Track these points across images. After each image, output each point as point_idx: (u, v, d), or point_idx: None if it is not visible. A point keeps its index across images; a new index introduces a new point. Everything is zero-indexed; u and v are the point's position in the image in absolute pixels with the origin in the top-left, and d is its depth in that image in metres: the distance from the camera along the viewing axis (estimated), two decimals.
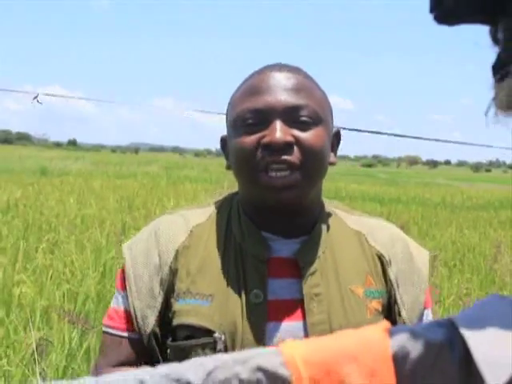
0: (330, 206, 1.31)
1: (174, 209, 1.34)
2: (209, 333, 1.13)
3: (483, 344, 0.50)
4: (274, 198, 1.15)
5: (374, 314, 1.18)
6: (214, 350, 1.11)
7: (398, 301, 1.23)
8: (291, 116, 1.16)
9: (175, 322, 1.16)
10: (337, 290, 1.18)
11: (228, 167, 1.27)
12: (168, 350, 1.18)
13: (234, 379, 0.52)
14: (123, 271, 1.24)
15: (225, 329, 1.13)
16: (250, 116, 1.16)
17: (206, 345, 1.12)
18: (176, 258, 1.20)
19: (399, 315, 1.23)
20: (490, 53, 0.55)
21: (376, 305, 1.19)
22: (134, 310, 1.19)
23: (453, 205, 18.80)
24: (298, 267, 1.18)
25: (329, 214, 1.28)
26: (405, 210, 15.37)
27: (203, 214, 1.27)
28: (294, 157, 1.14)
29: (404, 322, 1.22)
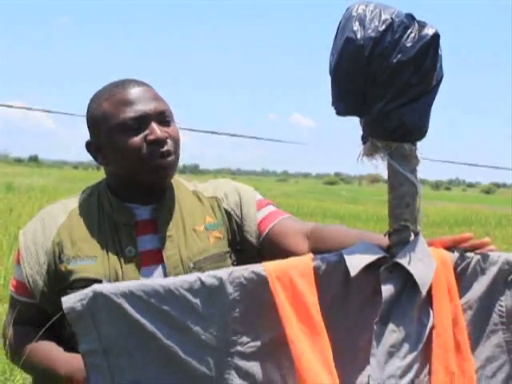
0: (176, 176, 1.73)
1: (56, 200, 1.80)
2: (97, 282, 1.41)
3: (352, 257, 1.16)
4: (161, 176, 1.58)
5: (216, 241, 1.64)
6: None
7: (238, 221, 1.69)
8: (160, 118, 1.58)
9: (72, 278, 1.52)
10: (182, 232, 1.62)
11: (105, 164, 1.64)
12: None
13: (241, 276, 1.15)
14: (17, 254, 1.62)
15: (110, 278, 1.51)
16: (132, 122, 1.54)
17: None
18: (58, 234, 1.57)
19: (242, 232, 1.68)
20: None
21: (216, 233, 1.66)
22: (26, 276, 1.55)
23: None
24: (156, 224, 1.62)
25: (174, 182, 1.71)
26: (364, 227, 15.99)
27: (78, 200, 1.66)
28: (169, 146, 1.57)
29: (249, 233, 1.67)
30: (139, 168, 1.57)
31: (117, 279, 1.52)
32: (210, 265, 1.59)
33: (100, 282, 1.49)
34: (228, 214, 1.70)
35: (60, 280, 1.55)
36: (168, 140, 1.58)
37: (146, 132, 1.56)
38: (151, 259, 1.58)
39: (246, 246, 1.67)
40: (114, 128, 1.57)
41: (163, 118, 1.59)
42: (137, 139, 1.55)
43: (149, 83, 1.67)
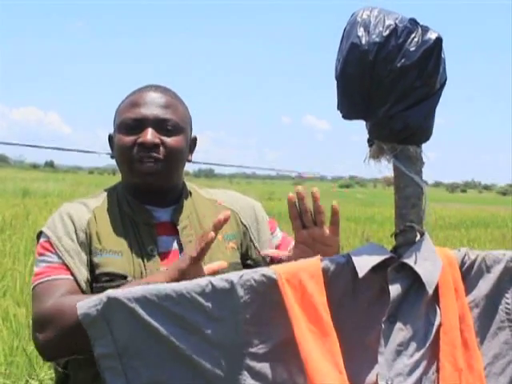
0: (189, 183, 1.79)
1: (72, 199, 1.79)
2: (122, 277, 1.54)
3: (360, 258, 1.18)
4: (143, 181, 1.62)
5: (232, 251, 1.68)
6: None
7: (253, 239, 1.74)
8: (160, 125, 1.62)
9: (98, 271, 1.55)
10: None
11: (112, 157, 1.73)
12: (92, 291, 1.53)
13: (251, 279, 1.18)
14: (43, 245, 1.57)
15: (133, 274, 1.55)
16: (130, 122, 1.62)
17: (122, 285, 1.45)
18: (88, 225, 1.59)
19: (254, 246, 1.73)
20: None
21: (232, 244, 1.70)
22: (70, 266, 1.53)
23: (426, 224, 19.33)
24: (175, 227, 1.66)
25: (189, 189, 1.76)
26: (379, 229, 15.93)
27: (98, 200, 1.69)
28: (160, 154, 1.60)
29: (259, 248, 1.72)
30: (129, 169, 1.64)
31: (140, 277, 1.54)
32: (226, 273, 1.61)
33: (125, 277, 1.55)
34: (245, 228, 1.74)
35: (91, 271, 1.57)
36: (160, 147, 1.61)
37: (140, 135, 1.62)
38: (171, 260, 1.61)
39: (260, 265, 1.69)
40: (117, 126, 1.67)
41: (164, 125, 1.63)
42: (128, 139, 1.62)
43: (174, 92, 1.72)
